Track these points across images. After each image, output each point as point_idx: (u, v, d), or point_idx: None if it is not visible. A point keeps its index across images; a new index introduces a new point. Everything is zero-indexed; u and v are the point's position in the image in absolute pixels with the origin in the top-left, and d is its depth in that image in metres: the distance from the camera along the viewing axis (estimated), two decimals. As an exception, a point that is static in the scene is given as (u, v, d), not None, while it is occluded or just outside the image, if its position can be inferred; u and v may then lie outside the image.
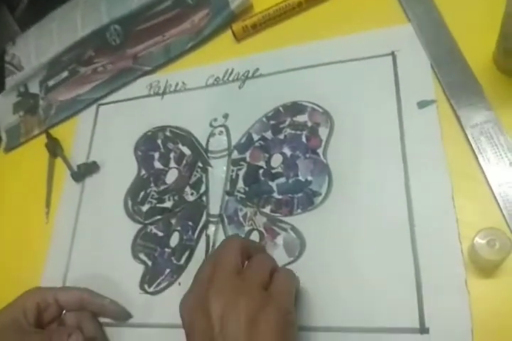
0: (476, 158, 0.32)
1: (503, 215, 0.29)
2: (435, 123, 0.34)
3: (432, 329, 0.28)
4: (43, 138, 0.49)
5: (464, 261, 0.29)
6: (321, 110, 0.38)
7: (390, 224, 0.32)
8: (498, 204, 0.30)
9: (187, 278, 0.36)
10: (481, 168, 0.31)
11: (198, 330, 0.27)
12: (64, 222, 0.43)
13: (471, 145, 0.32)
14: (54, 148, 0.47)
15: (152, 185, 0.42)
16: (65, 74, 0.52)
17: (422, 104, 0.35)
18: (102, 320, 0.37)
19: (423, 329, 0.28)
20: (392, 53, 0.38)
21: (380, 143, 0.35)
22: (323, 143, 0.37)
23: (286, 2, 0.43)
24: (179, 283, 0.36)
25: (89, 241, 0.41)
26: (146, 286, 0.37)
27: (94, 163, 0.44)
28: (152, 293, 0.37)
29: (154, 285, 0.37)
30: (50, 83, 0.53)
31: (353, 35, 0.40)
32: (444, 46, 0.36)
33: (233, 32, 0.44)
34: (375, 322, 0.30)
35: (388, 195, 0.33)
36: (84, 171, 0.44)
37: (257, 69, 0.43)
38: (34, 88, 0.54)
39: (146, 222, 0.40)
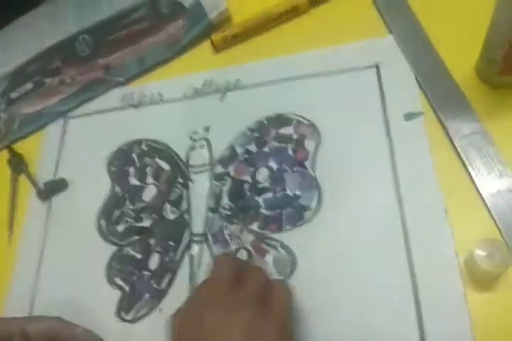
0: (466, 170, 0.31)
1: (497, 226, 0.29)
2: (423, 135, 0.33)
3: (432, 343, 0.27)
4: (4, 154, 0.45)
5: (462, 274, 0.28)
6: (306, 122, 0.37)
7: (384, 238, 0.31)
8: (491, 214, 0.29)
9: (169, 304, 0.33)
10: (472, 179, 0.31)
11: None
12: (29, 244, 0.39)
13: (460, 157, 0.32)
14: (17, 165, 0.43)
15: (128, 202, 0.39)
16: (30, 85, 0.49)
17: (409, 116, 0.34)
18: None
19: (424, 344, 0.27)
20: (376, 65, 0.37)
21: (368, 156, 0.34)
22: (310, 156, 0.36)
23: (267, 13, 0.42)
24: (160, 310, 0.33)
25: (58, 265, 0.38)
26: (123, 313, 0.34)
27: (63, 180, 0.41)
28: (130, 321, 0.34)
29: (132, 312, 0.34)
30: (13, 95, 0.49)
31: (335, 47, 0.39)
32: (427, 58, 0.36)
33: (212, 42, 0.43)
34: (372, 335, 0.28)
35: (380, 208, 0.32)
36: (52, 189, 0.41)
37: (238, 80, 0.41)
38: (-6, 100, 0.50)
39: (122, 243, 0.37)
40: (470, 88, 0.34)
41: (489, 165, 0.30)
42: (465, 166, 0.31)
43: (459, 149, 0.32)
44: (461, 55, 0.35)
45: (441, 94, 0.34)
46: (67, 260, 0.38)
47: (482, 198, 0.30)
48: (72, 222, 0.39)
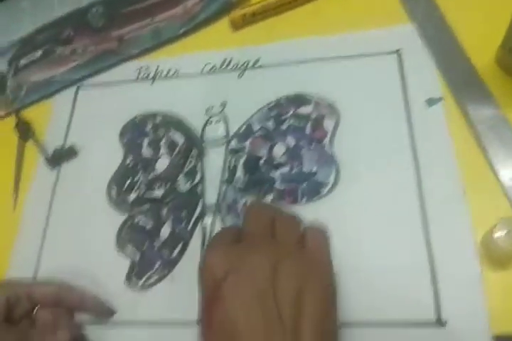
0: (485, 153, 0.32)
1: (514, 208, 0.30)
2: (443, 120, 0.34)
3: (449, 321, 0.27)
4: (11, 121, 0.44)
5: (478, 253, 0.29)
6: (326, 103, 0.37)
7: (401, 217, 0.31)
8: (509, 197, 0.30)
9: (180, 272, 0.33)
10: (491, 163, 0.32)
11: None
12: (35, 210, 0.38)
13: (479, 141, 0.33)
14: (24, 131, 0.42)
15: (140, 173, 0.38)
16: (39, 53, 0.48)
17: (430, 102, 0.35)
18: (81, 318, 0.32)
19: (440, 322, 0.28)
20: (397, 52, 0.38)
21: (388, 138, 0.34)
22: (328, 135, 0.36)
23: (288, -6, 0.42)
24: (171, 278, 0.33)
25: (65, 232, 0.37)
26: (132, 282, 0.34)
27: (72, 148, 0.40)
28: (140, 289, 0.33)
29: (143, 280, 0.33)
30: (22, 62, 0.48)
31: (357, 32, 0.40)
32: (447, 46, 0.37)
33: (231, 20, 0.43)
34: (389, 315, 0.28)
35: (398, 188, 0.32)
36: (61, 156, 0.40)
37: (258, 59, 0.41)
38: (1, 66, 0.49)
39: (133, 212, 0.37)
40: (489, 76, 0.35)
41: (508, 150, 0.31)
42: (484, 150, 0.32)
43: (478, 133, 0.32)
44: (482, 44, 0.36)
45: (461, 81, 0.35)
46: (74, 227, 0.37)
47: (500, 181, 0.31)
48: (80, 189, 0.39)
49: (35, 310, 0.31)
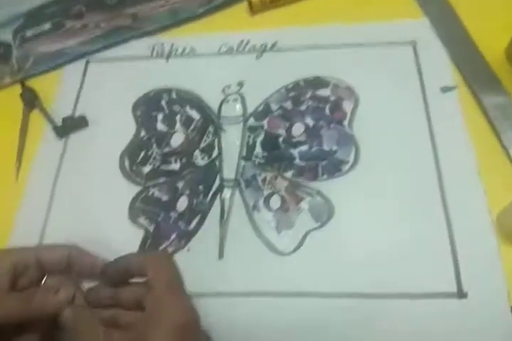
0: (498, 137, 0.34)
1: (527, 188, 0.31)
2: (457, 106, 0.36)
3: (469, 293, 0.28)
4: (17, 90, 0.42)
5: (495, 229, 0.30)
6: (344, 86, 0.38)
7: (421, 194, 0.32)
8: (521, 177, 0.32)
9: (197, 244, 0.33)
10: (503, 145, 0.33)
11: None
12: (41, 179, 0.37)
13: (491, 126, 0.34)
14: (30, 100, 0.41)
15: (154, 146, 0.38)
16: (48, 26, 0.46)
17: (445, 90, 0.37)
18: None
19: (461, 294, 0.28)
20: (412, 42, 0.40)
21: (406, 121, 0.36)
22: (348, 116, 0.37)
23: (309, -18, 0.43)
24: (188, 249, 0.32)
25: (73, 202, 0.36)
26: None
27: (83, 117, 0.39)
28: (154, 260, 0.32)
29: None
30: (28, 33, 0.46)
31: (374, 23, 0.41)
32: (459, 39, 0.39)
33: (250, 3, 0.44)
34: (411, 287, 0.29)
35: (417, 168, 0.33)
36: (70, 126, 0.39)
37: (276, 42, 0.42)
38: (5, 36, 0.47)
39: (147, 184, 0.36)
40: (499, 67, 0.37)
41: (520, 135, 0.33)
42: (497, 134, 0.34)
43: (492, 118, 0.34)
44: (492, 38, 0.38)
45: (474, 71, 0.37)
46: (82, 198, 0.36)
47: (512, 162, 0.32)
48: (90, 160, 0.37)
49: (43, 280, 0.29)
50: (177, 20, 0.45)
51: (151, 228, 0.34)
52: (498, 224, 0.30)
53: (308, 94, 0.38)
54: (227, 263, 0.32)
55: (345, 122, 0.36)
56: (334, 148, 0.35)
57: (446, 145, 0.34)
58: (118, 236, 0.33)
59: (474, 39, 0.39)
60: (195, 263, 0.32)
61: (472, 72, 0.37)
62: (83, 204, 0.35)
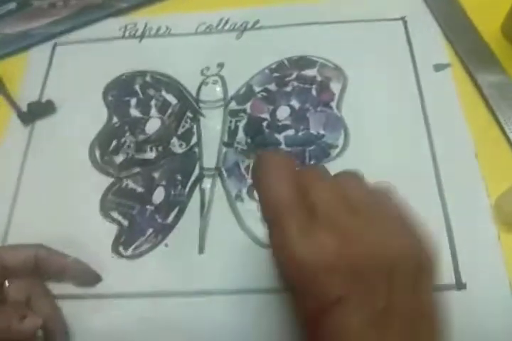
0: (494, 117, 0.31)
1: (527, 171, 0.29)
2: (452, 85, 0.33)
3: (469, 284, 0.26)
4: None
5: (494, 216, 0.28)
6: (332, 65, 0.36)
7: (415, 180, 0.30)
8: (521, 160, 0.30)
9: (175, 239, 0.30)
10: (502, 127, 0.31)
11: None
12: (4, 171, 0.34)
13: (488, 106, 0.32)
14: (-8, 85, 0.37)
15: (128, 134, 0.35)
16: (12, 5, 0.42)
17: (438, 67, 0.34)
18: (62, 291, 0.28)
19: (460, 285, 0.26)
20: (403, 18, 0.37)
21: (398, 102, 0.33)
22: (336, 97, 0.34)
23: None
24: (166, 245, 0.30)
25: (39, 196, 0.32)
26: (120, 249, 0.30)
27: (50, 102, 0.36)
28: (129, 257, 0.30)
29: (132, 248, 0.30)
30: (-10, 14, 0.43)
31: (361, -3, 0.39)
32: (453, 14, 0.36)
33: (230, -20, 0.40)
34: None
35: (410, 151, 0.31)
36: (37, 111, 0.35)
37: (258, 21, 0.39)
38: (-36, 17, 0.43)
39: (121, 175, 0.33)
40: (495, 43, 0.34)
41: (518, 113, 0.31)
42: (494, 114, 0.31)
43: (488, 97, 0.32)
44: (487, 14, 0.36)
45: (468, 48, 0.35)
46: (49, 191, 0.33)
47: (511, 145, 0.30)
48: (58, 149, 0.34)
49: (6, 283, 0.27)
50: (152, -3, 0.42)
51: (125, 222, 0.31)
52: (497, 210, 0.28)
53: (294, 75, 0.36)
54: (209, 258, 0.29)
55: (333, 104, 0.34)
56: (322, 132, 0.33)
57: (441, 127, 0.32)
58: (89, 233, 0.31)
59: (468, 14, 0.36)
60: (174, 259, 0.29)
61: (466, 48, 0.35)
62: (51, 198, 0.32)
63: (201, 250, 0.29)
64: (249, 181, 0.31)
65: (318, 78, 0.35)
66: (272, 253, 0.18)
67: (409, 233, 0.19)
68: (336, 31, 0.37)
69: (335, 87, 0.35)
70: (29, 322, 0.24)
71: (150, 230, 0.30)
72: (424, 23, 0.37)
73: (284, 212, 0.18)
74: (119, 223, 0.31)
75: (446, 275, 0.27)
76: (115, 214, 0.31)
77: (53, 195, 0.33)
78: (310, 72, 0.36)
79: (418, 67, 0.35)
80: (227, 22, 0.40)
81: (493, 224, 0.28)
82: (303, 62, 0.36)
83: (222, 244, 0.29)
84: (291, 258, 0.17)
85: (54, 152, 0.34)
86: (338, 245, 0.17)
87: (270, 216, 0.18)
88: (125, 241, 0.30)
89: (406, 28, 0.37)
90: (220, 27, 0.39)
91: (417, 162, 0.31)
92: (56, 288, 0.29)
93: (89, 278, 0.28)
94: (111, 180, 0.33)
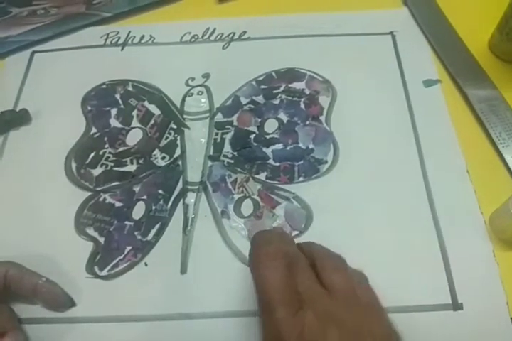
0: (487, 133, 0.31)
1: (519, 187, 0.29)
2: (442, 100, 0.33)
3: (465, 304, 0.25)
4: None
5: (488, 233, 0.27)
6: (320, 78, 0.35)
7: (405, 195, 0.29)
8: (512, 175, 0.29)
9: (156, 257, 0.28)
10: (493, 141, 0.31)
11: None
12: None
13: (479, 121, 0.32)
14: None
15: (107, 146, 0.33)
16: (-10, 12, 0.41)
17: (428, 83, 0.34)
18: (31, 314, 0.26)
19: (456, 305, 0.25)
20: (391, 33, 0.37)
21: (388, 116, 0.33)
22: (325, 111, 0.33)
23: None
24: (145, 264, 0.28)
25: (11, 210, 0.30)
26: (96, 269, 0.28)
27: (25, 111, 0.34)
28: (105, 278, 0.27)
29: (108, 268, 0.28)
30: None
31: (350, 12, 0.38)
32: (442, 30, 0.37)
33: (217, -9, 0.40)
34: (402, 300, 0.25)
35: (400, 166, 0.30)
36: (11, 120, 0.33)
37: (244, 32, 0.38)
38: None
39: (98, 188, 0.31)
40: (483, 59, 0.35)
41: (509, 129, 0.31)
42: (485, 129, 0.31)
43: (478, 112, 0.32)
44: (475, 30, 0.36)
45: (458, 63, 0.34)
46: (21, 205, 0.30)
47: (504, 160, 0.30)
48: (32, 161, 0.32)
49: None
50: (136, 6, 0.40)
51: (102, 240, 0.29)
52: (491, 227, 0.27)
53: (282, 88, 0.35)
54: (192, 278, 0.27)
55: (322, 118, 0.33)
56: (311, 146, 0.32)
57: (432, 143, 0.31)
58: (62, 251, 0.28)
59: (457, 30, 0.36)
60: (154, 279, 0.27)
61: (455, 64, 0.34)
62: (22, 213, 0.30)
63: (184, 269, 0.27)
64: (236, 197, 0.30)
65: (307, 91, 0.34)
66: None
67: (388, 322, 0.21)
68: (326, 45, 0.37)
69: (324, 100, 0.34)
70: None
71: (128, 248, 0.28)
72: (412, 38, 0.37)
73: (275, 299, 0.19)
74: (94, 240, 0.29)
75: (442, 295, 0.25)
76: (91, 231, 0.29)
77: (25, 210, 0.30)
78: (298, 85, 0.35)
79: (407, 82, 0.34)
80: (213, 32, 0.39)
81: (487, 241, 0.27)
82: (291, 74, 0.35)
83: (207, 263, 0.28)
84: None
85: (27, 163, 0.32)
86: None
87: (263, 300, 0.20)
88: (101, 260, 0.28)
89: (395, 42, 0.37)
90: (205, 37, 0.38)
91: (408, 178, 0.30)
92: (25, 311, 0.26)
93: (62, 301, 0.26)
94: (87, 194, 0.31)
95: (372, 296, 0.21)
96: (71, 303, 0.26)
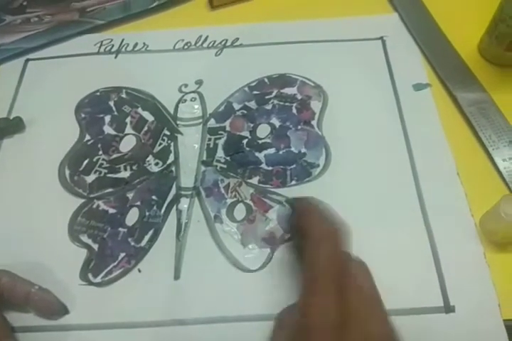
0: (476, 136, 0.31)
1: (509, 189, 0.29)
2: (432, 104, 0.33)
3: (457, 307, 0.25)
4: None
5: (479, 235, 0.27)
6: (312, 84, 0.35)
7: (397, 199, 0.29)
8: (504, 178, 0.29)
9: (150, 264, 0.28)
10: (483, 144, 0.31)
11: None
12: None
13: (469, 124, 0.32)
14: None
15: (100, 152, 0.33)
16: (-17, 20, 0.41)
17: (418, 87, 0.34)
18: (24, 322, 0.26)
19: (448, 308, 0.25)
20: (381, 38, 0.37)
21: (378, 120, 0.33)
22: (316, 116, 0.34)
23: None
24: (139, 270, 0.28)
25: (5, 218, 0.30)
26: (89, 276, 0.28)
27: (19, 119, 0.34)
28: (98, 285, 0.28)
29: (102, 275, 0.28)
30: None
31: (341, 18, 0.39)
32: (431, 35, 0.37)
33: (210, -1, 0.40)
34: (394, 303, 0.25)
35: (392, 170, 0.31)
36: (5, 128, 0.33)
37: (237, 39, 0.39)
38: None
39: (92, 195, 0.31)
40: (473, 62, 0.35)
41: (499, 132, 0.31)
42: (475, 132, 0.31)
43: (468, 116, 0.32)
44: (465, 34, 0.36)
45: (447, 67, 0.35)
46: (15, 212, 0.31)
47: (494, 163, 0.30)
48: (26, 168, 0.32)
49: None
50: (129, 14, 0.41)
51: (95, 246, 0.29)
52: (482, 229, 0.28)
53: (274, 93, 0.35)
54: (185, 284, 0.27)
55: (314, 122, 0.33)
56: (303, 150, 0.32)
57: (422, 146, 0.31)
58: (56, 258, 0.28)
59: (446, 34, 0.37)
60: (148, 286, 0.27)
61: (445, 68, 0.35)
62: (15, 220, 0.30)
63: (177, 275, 0.28)
64: (229, 201, 0.30)
65: (299, 96, 0.35)
66: None
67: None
68: (317, 50, 0.37)
69: (315, 105, 0.34)
70: None
71: (122, 254, 0.29)
72: (402, 43, 0.37)
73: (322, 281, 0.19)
74: (88, 247, 0.29)
75: (433, 297, 0.26)
76: (84, 238, 0.29)
77: (18, 217, 0.30)
78: (290, 90, 0.35)
79: (397, 86, 0.35)
80: (206, 39, 0.39)
81: (478, 243, 0.27)
82: (283, 80, 0.36)
83: (200, 268, 0.28)
84: None
85: (21, 171, 0.32)
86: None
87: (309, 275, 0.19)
88: (95, 267, 0.28)
89: (385, 47, 0.37)
90: (198, 44, 0.39)
91: (399, 181, 0.30)
92: (18, 319, 0.26)
93: (55, 309, 0.26)
94: (81, 200, 0.31)
95: (375, 293, 0.20)
96: (64, 311, 0.26)
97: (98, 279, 0.28)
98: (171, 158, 0.33)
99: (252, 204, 0.30)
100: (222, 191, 0.31)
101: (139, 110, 0.35)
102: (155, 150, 0.33)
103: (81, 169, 0.32)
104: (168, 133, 0.34)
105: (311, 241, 0.20)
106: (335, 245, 0.20)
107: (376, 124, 0.33)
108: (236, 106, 0.35)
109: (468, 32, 0.36)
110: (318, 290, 0.18)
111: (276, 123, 0.34)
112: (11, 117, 0.34)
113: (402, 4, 0.39)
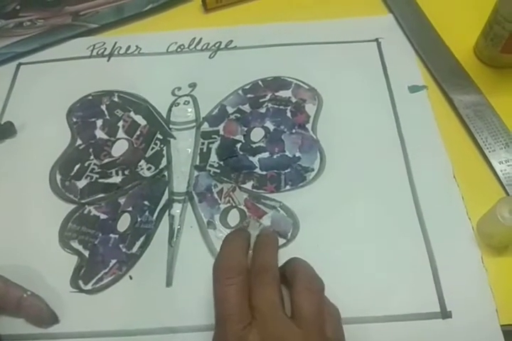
0: (473, 138, 0.31)
1: (506, 192, 0.29)
2: (428, 106, 0.33)
3: (454, 312, 0.25)
4: None
5: (476, 239, 0.27)
6: (306, 86, 0.35)
7: (393, 202, 0.29)
8: (500, 181, 0.29)
9: (141, 270, 0.28)
10: (479, 147, 0.30)
11: None
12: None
13: (465, 126, 0.32)
14: None
15: (92, 157, 0.33)
16: (-26, 24, 0.41)
17: (413, 89, 0.34)
18: (13, 330, 0.25)
19: (445, 314, 0.25)
20: (376, 40, 0.37)
21: (374, 123, 0.33)
22: (311, 119, 0.33)
23: (265, -22, 0.40)
24: (130, 277, 0.27)
25: (-7, 225, 0.30)
26: (80, 283, 0.27)
27: (10, 124, 0.34)
28: (89, 292, 0.27)
29: (93, 282, 0.27)
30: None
31: (335, 20, 0.39)
32: (427, 36, 0.37)
33: (204, 1, 0.40)
34: (391, 309, 0.25)
35: (387, 173, 0.30)
36: (-5, 134, 0.33)
37: (231, 41, 0.38)
38: None
39: (83, 201, 0.31)
40: (469, 65, 0.35)
41: (495, 135, 0.30)
42: (471, 134, 0.31)
43: (464, 118, 0.31)
44: (461, 36, 0.36)
45: (443, 69, 0.34)
46: (4, 218, 0.30)
47: (491, 165, 0.30)
48: (16, 173, 0.32)
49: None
50: (122, 17, 0.40)
51: (86, 253, 0.28)
52: (479, 232, 0.27)
53: (268, 96, 0.35)
54: (177, 291, 0.27)
55: (309, 126, 0.33)
56: (297, 154, 0.32)
57: (418, 149, 0.31)
58: (46, 264, 0.28)
59: (442, 36, 0.36)
60: (139, 293, 0.27)
61: (441, 70, 0.34)
62: (5, 226, 0.30)
63: (169, 282, 0.27)
64: (223, 207, 0.30)
65: (293, 99, 0.34)
66: None
67: None
68: (311, 53, 0.37)
69: (310, 108, 0.34)
70: None
71: (113, 261, 0.28)
72: (398, 44, 0.37)
73: (226, 313, 0.20)
74: (79, 254, 0.28)
75: (430, 303, 0.25)
76: (75, 244, 0.29)
77: (8, 223, 0.30)
78: (285, 93, 0.35)
79: (393, 88, 0.34)
80: (199, 42, 0.39)
81: (475, 247, 0.27)
82: (277, 83, 0.35)
83: (193, 275, 0.27)
84: None
85: (12, 176, 0.32)
86: None
87: (216, 313, 0.20)
88: (85, 274, 0.28)
89: (380, 49, 0.37)
90: (192, 46, 0.38)
91: (394, 184, 0.30)
92: (6, 327, 0.26)
93: (45, 317, 0.25)
94: (72, 206, 0.30)
95: (341, 337, 0.20)
96: (54, 320, 0.25)
97: (89, 286, 0.27)
98: (164, 163, 0.32)
99: (246, 210, 0.29)
100: (216, 196, 0.30)
101: (132, 114, 0.35)
102: (147, 155, 0.33)
103: (72, 174, 0.32)
104: (160, 137, 0.33)
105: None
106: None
107: (371, 127, 0.32)
108: (230, 109, 0.34)
109: (464, 34, 0.36)
110: None
111: (271, 126, 0.33)
112: (2, 122, 0.34)
113: (397, 5, 0.39)
